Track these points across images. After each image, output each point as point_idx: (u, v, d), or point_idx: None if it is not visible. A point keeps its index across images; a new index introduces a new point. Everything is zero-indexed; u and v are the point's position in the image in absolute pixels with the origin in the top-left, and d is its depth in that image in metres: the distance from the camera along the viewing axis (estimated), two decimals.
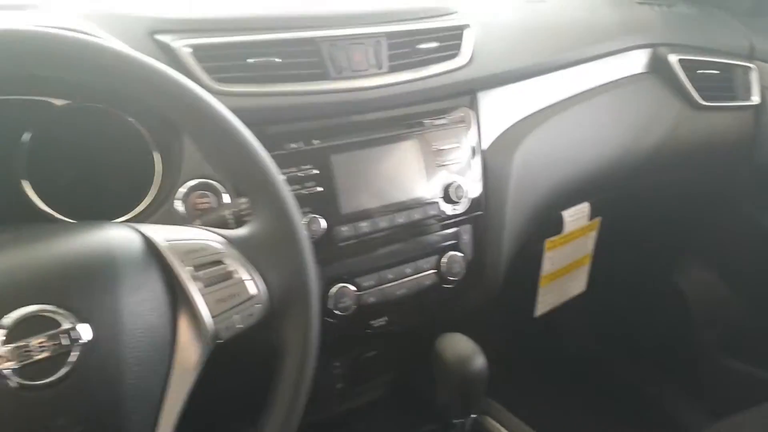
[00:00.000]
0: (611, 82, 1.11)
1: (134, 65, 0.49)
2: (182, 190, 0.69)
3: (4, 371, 0.40)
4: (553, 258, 1.10)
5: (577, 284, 1.20)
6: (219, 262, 0.50)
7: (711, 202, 1.39)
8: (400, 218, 0.81)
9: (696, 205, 1.39)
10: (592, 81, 1.08)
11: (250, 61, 0.73)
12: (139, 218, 0.68)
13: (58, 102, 0.66)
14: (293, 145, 0.75)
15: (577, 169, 1.04)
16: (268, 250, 0.52)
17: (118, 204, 0.68)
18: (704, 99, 1.19)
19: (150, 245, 0.49)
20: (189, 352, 0.48)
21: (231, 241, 0.52)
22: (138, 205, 0.69)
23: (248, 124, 0.54)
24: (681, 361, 1.43)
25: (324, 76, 0.77)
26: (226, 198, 0.71)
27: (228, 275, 0.50)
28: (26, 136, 0.65)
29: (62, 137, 0.67)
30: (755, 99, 1.23)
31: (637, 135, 1.12)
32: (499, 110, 0.95)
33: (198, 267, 0.49)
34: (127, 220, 0.67)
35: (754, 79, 1.24)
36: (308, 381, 0.54)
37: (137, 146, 0.70)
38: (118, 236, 0.49)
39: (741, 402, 1.03)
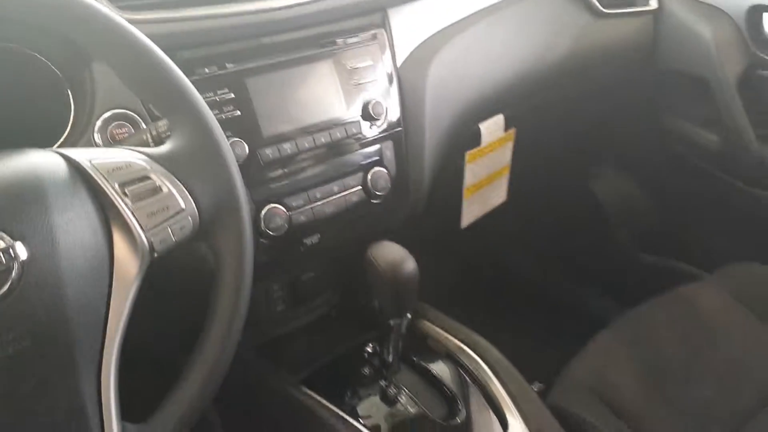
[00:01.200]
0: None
1: None
2: (98, 123, 0.69)
3: None
4: (473, 170, 1.14)
5: (499, 194, 1.25)
6: (146, 178, 0.51)
7: (618, 108, 1.46)
8: (322, 138, 0.83)
9: (604, 113, 1.46)
10: None
11: None
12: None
13: None
14: (207, 70, 0.75)
15: (489, 81, 1.07)
16: (193, 164, 0.53)
17: (36, 143, 0.67)
18: (605, 6, 1.24)
19: (75, 165, 0.49)
20: (127, 266, 0.49)
21: (154, 158, 0.52)
22: (56, 142, 0.68)
23: None
24: (599, 259, 1.53)
25: None
26: (146, 128, 0.71)
27: (156, 190, 0.51)
28: None
29: None
30: (653, 3, 1.29)
31: (544, 46, 1.16)
32: (410, 26, 0.96)
33: (124, 184, 0.50)
34: None
35: None
36: (247, 289, 0.56)
37: (49, 84, 0.69)
38: (43, 160, 0.49)
39: (654, 290, 1.12)
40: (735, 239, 1.33)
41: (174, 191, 0.52)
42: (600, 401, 0.89)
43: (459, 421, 0.80)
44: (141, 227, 0.50)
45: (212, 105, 0.74)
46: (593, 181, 1.55)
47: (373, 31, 0.91)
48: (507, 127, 1.17)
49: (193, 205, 0.53)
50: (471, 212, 1.19)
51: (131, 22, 0.68)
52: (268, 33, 0.80)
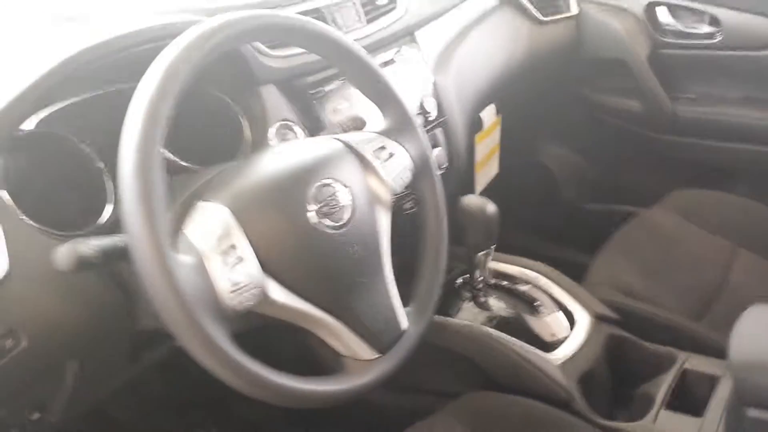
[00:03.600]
0: (484, 12, 1.48)
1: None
2: (272, 131, 0.92)
3: (320, 221, 0.66)
4: (480, 149, 1.46)
5: (494, 168, 1.58)
6: (383, 147, 0.78)
7: (555, 93, 1.83)
8: None
9: (547, 99, 1.83)
10: (475, 12, 1.44)
11: None
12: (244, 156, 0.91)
13: None
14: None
15: (484, 78, 1.39)
16: (404, 133, 0.80)
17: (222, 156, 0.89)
18: (543, 15, 1.60)
19: (345, 143, 0.75)
20: (382, 200, 0.75)
21: (382, 133, 0.79)
22: (239, 148, 0.91)
23: None
24: (552, 215, 1.86)
25: None
26: (298, 130, 0.95)
27: (392, 154, 0.78)
28: None
29: None
30: (574, 10, 1.68)
31: (509, 48, 1.51)
32: (431, 40, 1.27)
33: (374, 152, 0.76)
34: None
35: None
36: (445, 219, 0.83)
37: (220, 110, 0.92)
38: (331, 143, 0.74)
39: (602, 230, 1.44)
40: (661, 178, 1.71)
41: (400, 153, 0.79)
42: (621, 293, 1.21)
43: (542, 317, 1.09)
44: (387, 175, 0.76)
45: None
46: (543, 155, 1.92)
47: (409, 48, 1.21)
48: (497, 114, 1.50)
49: (410, 161, 0.80)
50: (480, 182, 1.51)
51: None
52: None
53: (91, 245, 0.60)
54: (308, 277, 0.66)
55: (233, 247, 0.61)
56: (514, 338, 1.03)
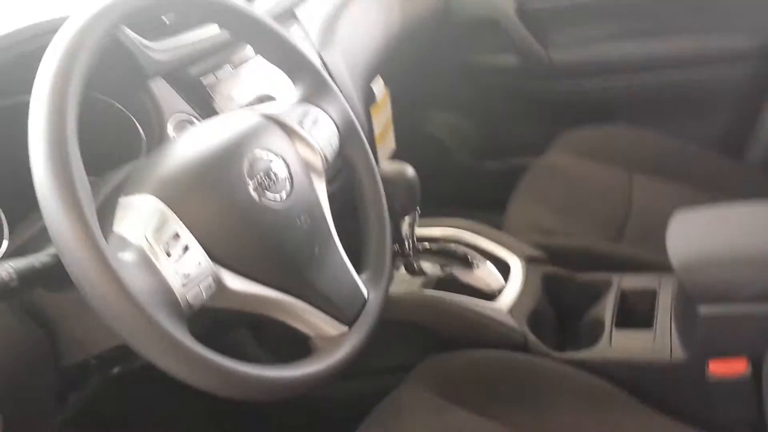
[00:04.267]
0: None
1: None
2: (169, 127, 0.85)
3: (262, 195, 0.61)
4: (377, 121, 1.43)
5: (391, 143, 1.56)
6: (306, 114, 0.73)
7: (438, 61, 1.85)
8: None
9: (430, 67, 1.84)
10: None
11: None
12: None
13: None
14: None
15: (369, 49, 1.37)
16: (324, 98, 0.76)
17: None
18: None
19: (265, 115, 0.70)
20: (315, 166, 0.71)
21: (298, 101, 0.74)
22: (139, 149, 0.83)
23: None
24: (452, 182, 1.88)
25: None
26: (196, 122, 0.88)
27: (316, 120, 0.73)
28: None
29: None
30: None
31: (384, 21, 1.49)
32: (312, 19, 1.23)
33: (298, 120, 0.71)
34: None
35: None
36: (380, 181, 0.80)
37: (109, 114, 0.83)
38: (251, 115, 0.69)
39: (509, 186, 1.48)
40: (548, 124, 1.75)
41: (323, 118, 0.74)
42: (541, 234, 1.23)
43: (475, 271, 1.08)
44: (316, 142, 0.72)
45: None
46: (432, 125, 1.93)
47: (291, 27, 1.16)
48: (385, 87, 1.48)
49: (335, 125, 0.75)
50: (383, 157, 1.48)
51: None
52: None
53: (4, 267, 0.51)
54: (261, 258, 0.60)
55: (175, 236, 0.55)
56: (457, 295, 1.02)
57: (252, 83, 0.99)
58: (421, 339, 1.01)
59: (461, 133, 1.93)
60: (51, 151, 0.48)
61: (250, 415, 1.14)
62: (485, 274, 1.08)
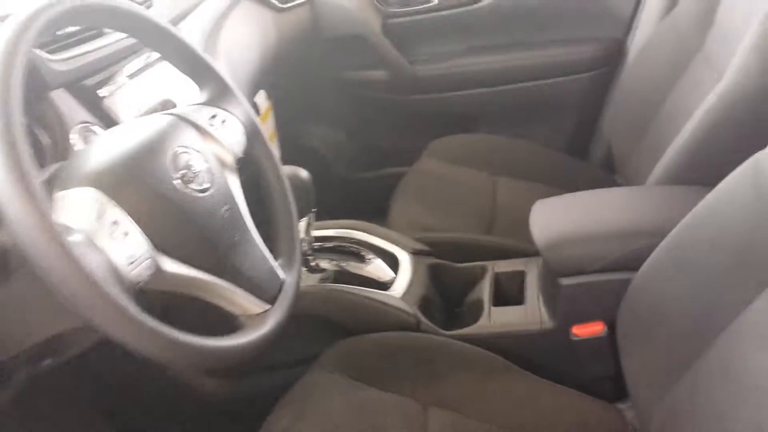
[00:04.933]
0: (230, 5, 1.51)
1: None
2: (73, 137, 0.87)
3: (187, 187, 0.66)
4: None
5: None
6: (214, 116, 0.79)
7: (312, 77, 1.94)
8: None
9: (305, 82, 1.93)
10: (222, 5, 1.46)
11: None
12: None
13: None
14: None
15: (249, 64, 1.43)
16: (229, 100, 0.82)
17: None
18: (281, 3, 1.68)
19: (177, 116, 0.75)
20: (227, 162, 0.77)
21: (209, 103, 0.80)
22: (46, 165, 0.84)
23: None
24: (330, 193, 1.97)
25: None
26: (99, 129, 0.91)
27: (224, 120, 0.79)
28: None
29: None
30: None
31: (260, 36, 1.56)
32: (192, 35, 1.27)
33: (208, 120, 0.77)
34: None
35: None
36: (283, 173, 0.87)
37: None
38: (164, 117, 0.73)
39: (384, 195, 1.59)
40: (417, 135, 1.88)
41: (230, 118, 0.80)
42: (421, 230, 1.35)
43: (367, 265, 1.17)
44: (226, 139, 0.78)
45: None
46: (311, 138, 2.01)
47: None
48: (267, 99, 1.54)
49: (241, 125, 0.82)
50: None
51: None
52: None
53: None
54: (192, 244, 0.66)
55: (115, 222, 0.59)
56: (354, 287, 1.11)
57: (148, 92, 1.02)
58: (324, 330, 1.08)
59: (338, 146, 2.04)
60: (5, 151, 0.51)
61: (161, 412, 1.16)
62: (376, 267, 1.18)
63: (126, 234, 0.59)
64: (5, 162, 0.51)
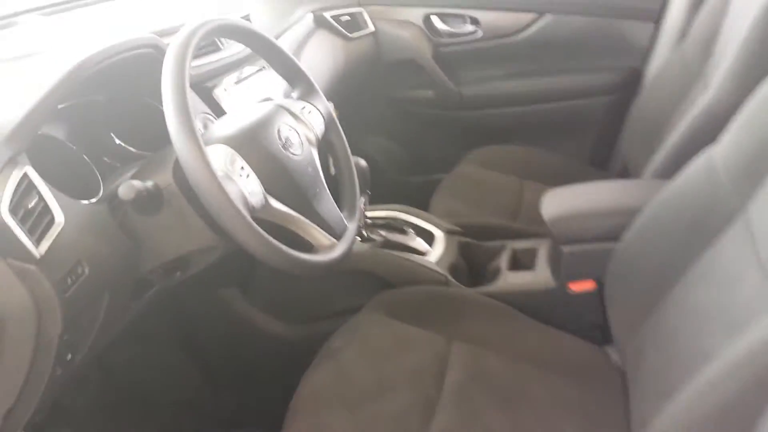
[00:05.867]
0: (306, 35, 1.84)
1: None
2: (197, 121, 1.19)
3: (288, 151, 0.97)
4: None
5: None
6: (304, 107, 1.10)
7: (372, 94, 2.27)
8: None
9: (367, 99, 2.26)
10: (300, 35, 1.80)
11: None
12: None
13: None
14: None
15: (323, 82, 1.75)
16: (314, 97, 1.13)
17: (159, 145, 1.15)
18: (350, 33, 2.02)
19: (279, 105, 1.05)
20: (312, 140, 1.07)
21: (297, 98, 1.11)
22: None
23: None
24: (381, 189, 2.27)
25: None
26: (213, 119, 1.23)
27: (311, 111, 1.10)
28: None
29: None
30: (371, 27, 2.13)
31: (333, 61, 1.89)
32: None
33: (299, 110, 1.08)
34: None
35: (366, 17, 2.13)
36: (350, 154, 1.18)
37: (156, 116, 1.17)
38: (270, 105, 1.04)
39: (428, 195, 1.86)
40: (458, 146, 2.16)
41: (314, 110, 1.11)
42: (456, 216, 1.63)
43: (409, 238, 1.46)
44: (311, 125, 1.08)
45: None
46: (367, 146, 2.32)
47: None
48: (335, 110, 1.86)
49: (321, 116, 1.13)
50: None
51: None
52: None
53: (136, 184, 0.85)
54: (288, 190, 0.96)
55: (242, 168, 0.90)
56: (398, 252, 1.39)
57: (251, 93, 1.35)
58: (371, 283, 1.36)
59: (390, 153, 2.35)
60: (178, 111, 0.82)
61: (235, 353, 1.46)
62: (416, 240, 1.47)
63: (248, 175, 0.90)
64: (182, 129, 0.81)
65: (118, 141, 1.12)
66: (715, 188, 0.94)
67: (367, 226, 1.45)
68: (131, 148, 1.12)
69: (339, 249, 1.02)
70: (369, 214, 1.52)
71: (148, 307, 1.09)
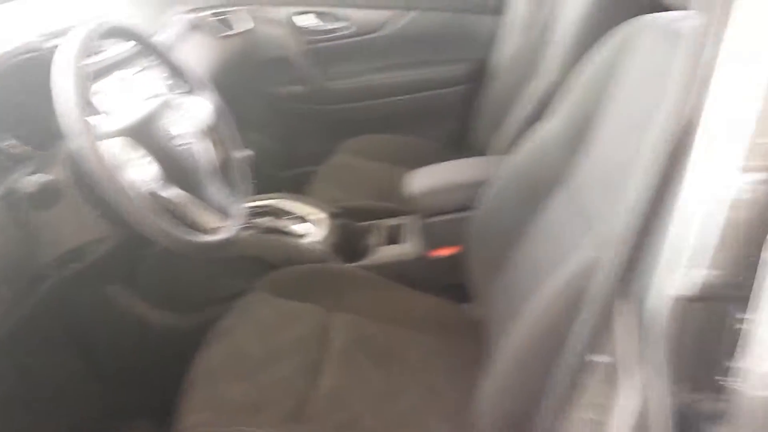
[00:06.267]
0: (183, 35, 1.90)
1: None
2: None
3: (173, 140, 1.07)
4: None
5: None
6: (193, 100, 1.19)
7: (250, 92, 2.35)
8: None
9: (246, 96, 2.33)
10: (173, 37, 1.86)
11: None
12: None
13: None
14: None
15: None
16: (204, 92, 1.23)
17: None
18: (223, 32, 2.09)
19: (167, 100, 1.15)
20: (199, 127, 1.18)
21: (185, 93, 1.21)
22: None
23: None
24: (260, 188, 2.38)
25: None
26: None
27: (199, 105, 1.20)
28: None
29: None
30: (248, 25, 2.20)
31: (212, 60, 1.96)
32: None
33: (188, 103, 1.18)
34: None
35: (239, 16, 2.20)
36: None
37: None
38: (163, 100, 1.14)
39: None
40: (332, 138, 2.28)
41: (205, 104, 1.21)
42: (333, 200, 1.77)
43: (292, 222, 1.58)
44: (198, 116, 1.19)
45: None
46: (246, 143, 2.40)
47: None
48: None
49: (211, 109, 1.23)
50: None
51: None
52: None
53: (33, 179, 0.93)
54: (180, 176, 1.07)
55: (141, 157, 1.00)
56: (282, 235, 1.52)
57: (136, 91, 1.40)
58: (258, 267, 1.47)
59: (264, 149, 2.44)
60: (69, 108, 0.90)
61: (124, 344, 1.50)
62: (299, 225, 1.60)
63: (150, 163, 1.00)
64: (74, 124, 0.90)
65: (6, 142, 1.16)
66: (544, 157, 1.15)
67: (252, 213, 1.56)
68: (27, 147, 1.16)
69: (226, 231, 1.13)
70: (253, 202, 1.63)
71: (40, 303, 1.14)
